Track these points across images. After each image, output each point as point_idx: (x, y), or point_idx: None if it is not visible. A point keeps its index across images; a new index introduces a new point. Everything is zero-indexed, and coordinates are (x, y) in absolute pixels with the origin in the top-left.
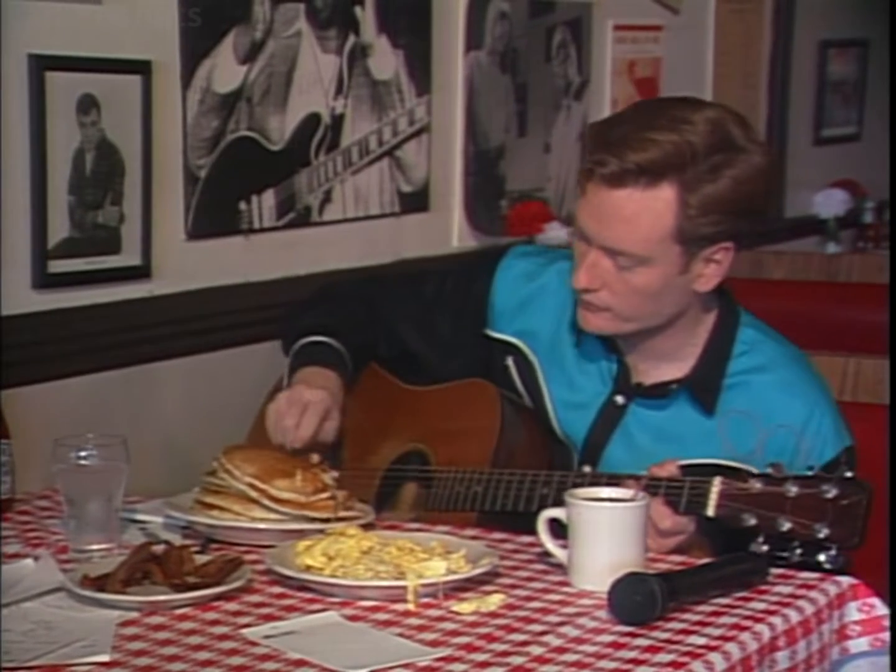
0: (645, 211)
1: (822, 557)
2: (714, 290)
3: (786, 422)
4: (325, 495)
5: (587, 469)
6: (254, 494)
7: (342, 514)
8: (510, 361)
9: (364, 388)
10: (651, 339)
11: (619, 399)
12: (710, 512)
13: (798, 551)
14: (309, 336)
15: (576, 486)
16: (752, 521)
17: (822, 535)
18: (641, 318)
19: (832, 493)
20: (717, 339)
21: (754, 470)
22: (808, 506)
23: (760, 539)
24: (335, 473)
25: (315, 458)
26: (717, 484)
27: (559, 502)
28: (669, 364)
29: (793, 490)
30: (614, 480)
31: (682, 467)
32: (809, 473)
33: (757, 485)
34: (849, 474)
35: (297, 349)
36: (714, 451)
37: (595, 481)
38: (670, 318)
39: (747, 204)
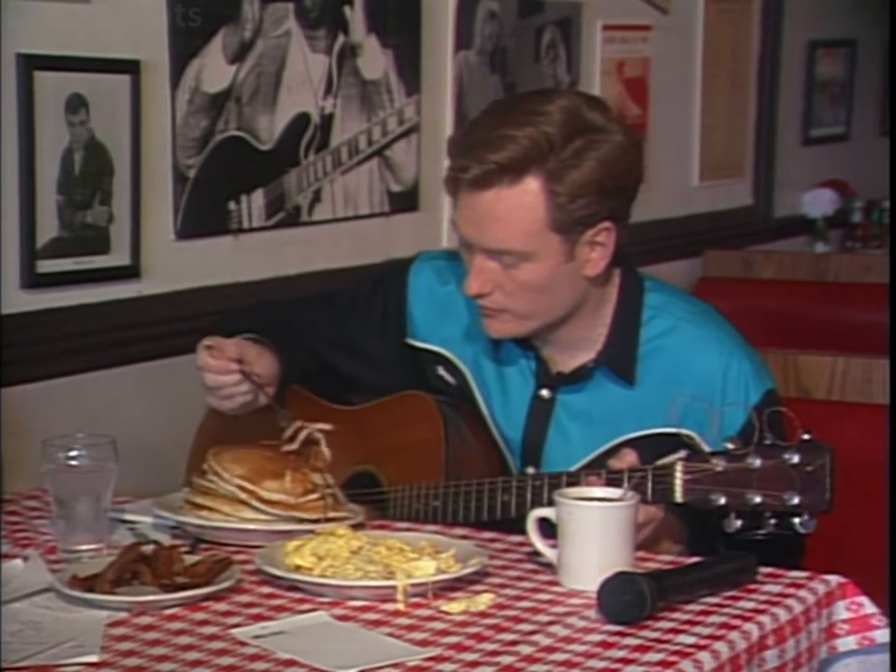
0: (516, 207)
1: (796, 521)
2: (611, 266)
3: (706, 374)
4: (314, 496)
5: (531, 470)
6: (243, 496)
7: (332, 514)
8: (442, 371)
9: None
10: (560, 330)
11: (545, 393)
12: (678, 498)
13: (772, 521)
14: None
15: (535, 490)
16: (722, 501)
17: (792, 504)
18: (540, 314)
19: (795, 458)
20: (624, 309)
21: (693, 434)
22: (773, 476)
23: (732, 515)
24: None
25: (319, 433)
26: (679, 468)
27: (521, 508)
28: (585, 349)
29: (756, 462)
30: (573, 479)
31: (630, 445)
32: (768, 443)
33: (720, 463)
34: (806, 436)
35: None
36: (647, 422)
37: (554, 482)
38: (570, 307)
39: (614, 182)
